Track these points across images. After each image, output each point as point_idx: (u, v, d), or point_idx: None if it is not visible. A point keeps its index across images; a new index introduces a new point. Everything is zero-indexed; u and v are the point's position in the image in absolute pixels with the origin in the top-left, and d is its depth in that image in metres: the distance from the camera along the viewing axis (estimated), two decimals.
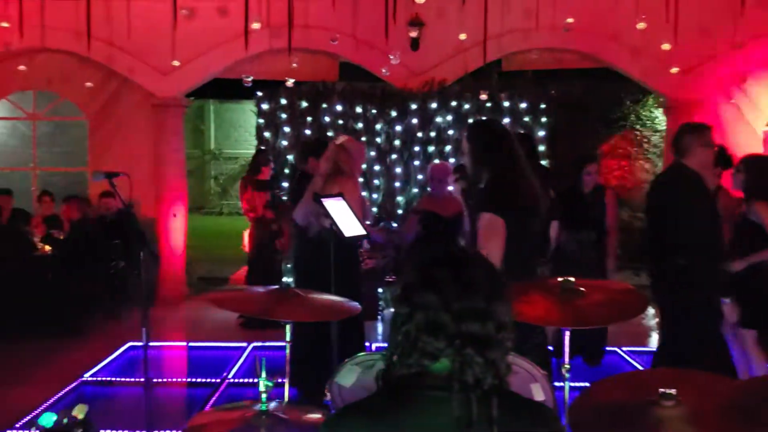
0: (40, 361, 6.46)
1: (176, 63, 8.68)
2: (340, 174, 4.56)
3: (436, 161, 7.45)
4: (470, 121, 7.86)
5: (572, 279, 2.63)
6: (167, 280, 8.95)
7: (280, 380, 2.79)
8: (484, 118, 8.25)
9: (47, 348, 6.83)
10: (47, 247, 7.79)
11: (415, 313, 1.49)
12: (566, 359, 2.63)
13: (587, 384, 2.51)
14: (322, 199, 3.79)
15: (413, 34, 8.78)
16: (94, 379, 5.91)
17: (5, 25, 8.24)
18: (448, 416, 1.45)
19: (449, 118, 8.86)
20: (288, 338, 2.63)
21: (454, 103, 8.90)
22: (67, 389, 5.57)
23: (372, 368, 2.41)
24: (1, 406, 5.31)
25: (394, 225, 7.86)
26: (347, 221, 3.81)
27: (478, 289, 1.51)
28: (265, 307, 2.53)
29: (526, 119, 8.97)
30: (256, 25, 8.28)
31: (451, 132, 8.79)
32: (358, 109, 8.91)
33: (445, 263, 1.55)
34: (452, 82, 9.08)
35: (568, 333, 2.64)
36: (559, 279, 2.64)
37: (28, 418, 4.94)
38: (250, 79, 8.17)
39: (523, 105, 8.98)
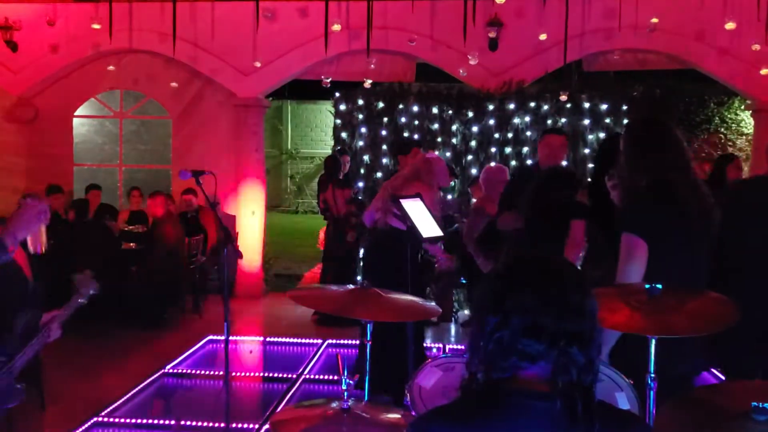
0: (123, 353, 6.71)
1: (258, 64, 8.88)
2: (419, 180, 4.62)
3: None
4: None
5: (659, 286, 2.54)
6: (245, 276, 9.16)
7: (356, 378, 2.81)
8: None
9: (130, 340, 7.10)
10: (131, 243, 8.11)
11: (510, 318, 1.46)
12: (652, 367, 2.55)
13: None
14: (401, 200, 3.80)
15: (492, 34, 8.70)
16: (175, 371, 6.09)
17: (96, 26, 8.60)
18: (542, 423, 1.43)
19: (527, 119, 8.75)
20: (368, 338, 2.64)
21: (532, 104, 8.78)
22: (148, 381, 5.76)
23: (452, 371, 2.41)
24: (86, 395, 5.53)
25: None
26: (425, 222, 3.81)
27: (570, 285, 1.50)
28: (345, 306, 2.55)
29: (607, 121, 8.77)
30: (336, 27, 8.39)
31: (528, 133, 8.66)
32: (435, 110, 8.89)
33: (531, 263, 1.54)
34: (531, 83, 8.96)
35: (653, 342, 2.55)
36: (646, 285, 2.56)
37: (111, 408, 5.15)
38: (329, 80, 8.27)
39: (604, 106, 8.78)
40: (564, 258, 1.62)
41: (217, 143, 9.40)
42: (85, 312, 6.56)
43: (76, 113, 9.92)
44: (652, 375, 2.63)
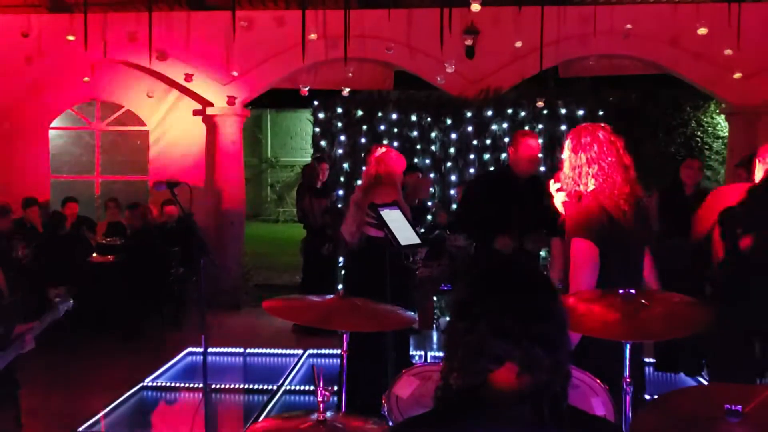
0: (102, 367, 6.63)
1: (235, 74, 8.85)
2: (378, 185, 4.61)
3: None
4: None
5: (633, 291, 2.56)
6: (224, 288, 9.09)
7: (334, 389, 2.80)
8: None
9: (109, 353, 7.02)
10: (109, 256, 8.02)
11: (478, 322, 1.50)
12: (627, 372, 2.56)
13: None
14: (379, 209, 3.80)
15: (468, 42, 8.75)
16: (155, 384, 6.03)
17: (71, 38, 8.52)
18: (513, 430, 1.44)
19: (505, 125, 8.80)
20: (344, 348, 2.63)
21: (510, 111, 8.84)
22: (127, 394, 5.70)
23: (429, 380, 2.40)
24: (64, 410, 5.45)
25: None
26: (402, 230, 3.81)
27: (535, 289, 1.55)
28: (322, 317, 2.54)
29: None
30: (313, 36, 8.39)
31: (506, 139, 8.70)
32: (413, 118, 8.93)
33: (497, 270, 1.60)
34: (508, 90, 9.02)
35: (628, 347, 2.56)
36: (620, 291, 2.58)
37: (90, 422, 5.08)
38: (306, 89, 8.27)
39: (581, 112, 8.85)
40: (533, 265, 1.66)
41: (194, 153, 9.35)
42: (63, 325, 6.48)
43: (52, 125, 9.82)
44: (628, 380, 2.65)
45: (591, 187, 2.98)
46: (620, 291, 2.59)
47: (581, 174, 3.00)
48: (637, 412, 2.51)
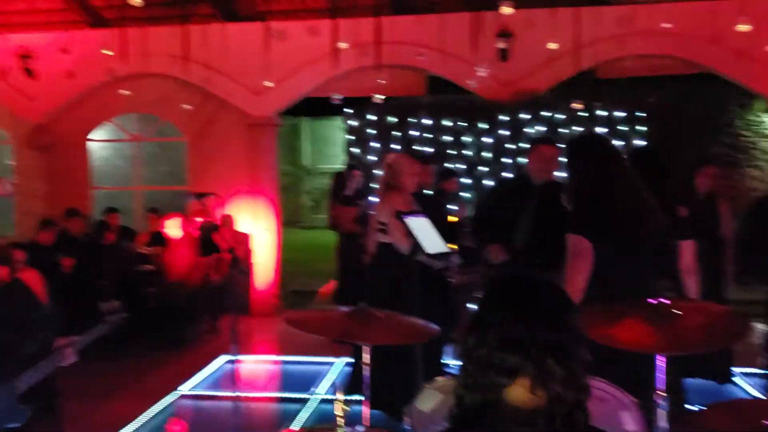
0: (141, 375, 6.73)
1: (269, 84, 8.92)
2: (390, 189, 4.58)
3: None
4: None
5: (667, 301, 2.47)
6: (261, 294, 9.16)
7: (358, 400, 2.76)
8: (584, 133, 8.10)
9: (148, 362, 7.12)
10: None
11: (487, 334, 1.47)
12: (660, 385, 2.47)
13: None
14: (404, 216, 3.76)
15: (502, 45, 8.66)
16: (191, 392, 6.08)
17: (108, 53, 8.68)
18: None
19: (541, 128, 8.68)
20: (367, 361, 2.60)
21: (546, 114, 8.72)
22: (164, 402, 5.76)
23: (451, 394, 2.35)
24: (102, 417, 5.54)
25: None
26: (430, 238, 3.76)
27: (546, 299, 1.52)
28: (342, 329, 2.51)
29: (623, 128, 8.68)
30: (343, 45, 8.40)
31: None
32: (447, 122, 8.87)
33: (507, 282, 1.58)
34: (544, 92, 8.90)
35: (663, 360, 2.47)
36: (650, 301, 2.49)
37: (128, 429, 5.14)
38: (338, 97, 8.29)
39: (620, 113, 8.68)
40: (544, 276, 1.61)
41: (231, 163, 9.44)
42: (108, 336, 6.59)
43: (91, 137, 10.03)
44: (662, 393, 2.56)
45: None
46: (651, 300, 2.50)
47: None
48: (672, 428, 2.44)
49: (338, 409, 2.14)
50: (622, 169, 3.32)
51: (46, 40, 9.39)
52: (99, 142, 10.30)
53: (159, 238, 9.02)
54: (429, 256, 3.79)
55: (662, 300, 2.48)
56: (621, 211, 3.18)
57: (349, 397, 2.34)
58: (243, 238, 8.92)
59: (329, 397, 5.94)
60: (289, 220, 18.13)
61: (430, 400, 2.34)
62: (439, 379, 2.44)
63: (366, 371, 2.57)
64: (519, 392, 1.45)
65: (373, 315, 2.53)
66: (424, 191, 5.95)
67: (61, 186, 9.70)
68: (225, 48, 8.98)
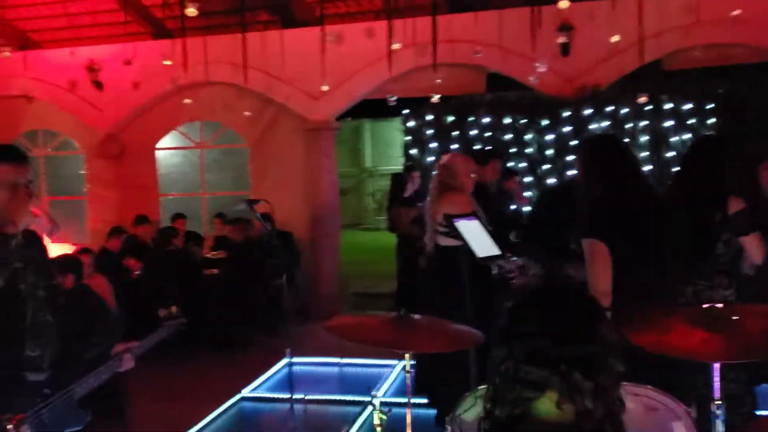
0: (206, 377, 6.87)
1: (325, 88, 8.97)
2: (447, 189, 4.50)
3: None
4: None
5: (720, 305, 2.34)
6: (322, 297, 9.22)
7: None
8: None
9: (213, 363, 7.27)
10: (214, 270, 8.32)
11: (514, 347, 1.43)
12: (717, 394, 2.34)
13: None
14: (454, 220, 3.70)
15: (563, 39, 8.46)
16: (252, 394, 6.17)
17: (167, 63, 8.90)
18: None
19: (605, 123, 8.44)
20: (408, 368, 2.56)
21: (609, 108, 8.47)
22: (226, 404, 5.86)
23: None
24: (166, 419, 5.67)
25: None
26: (481, 241, 3.69)
27: (574, 310, 1.47)
28: (383, 337, 2.48)
29: (691, 121, 8.35)
30: (396, 46, 8.37)
31: None
32: (507, 120, 8.73)
33: (536, 292, 1.55)
34: (607, 87, 8.64)
35: (717, 367, 2.34)
36: (704, 306, 2.36)
37: None
38: (394, 99, 8.27)
39: (688, 106, 8.36)
40: (578, 284, 1.55)
41: (291, 167, 9.55)
42: (169, 341, 6.74)
43: (158, 145, 10.33)
44: (718, 402, 2.42)
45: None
46: (704, 305, 2.38)
47: None
48: None
49: (376, 418, 2.11)
50: (635, 170, 3.31)
51: (112, 53, 9.72)
52: (165, 150, 10.58)
53: (224, 243, 9.23)
54: (479, 259, 3.71)
55: (716, 305, 2.35)
56: (634, 213, 3.15)
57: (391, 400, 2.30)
58: (305, 242, 9.01)
59: (390, 400, 5.92)
60: (352, 222, 18.23)
61: (472, 409, 2.29)
62: (481, 387, 2.37)
63: (408, 379, 2.53)
64: (546, 406, 1.40)
65: (414, 322, 2.48)
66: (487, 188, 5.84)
67: (130, 193, 10.02)
68: (283, 54, 9.09)
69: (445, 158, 4.89)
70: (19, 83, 10.21)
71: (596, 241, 3.05)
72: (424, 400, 5.03)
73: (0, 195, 2.50)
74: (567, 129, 8.52)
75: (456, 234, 3.66)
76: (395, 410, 5.66)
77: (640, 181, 3.33)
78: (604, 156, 3.28)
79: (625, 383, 2.32)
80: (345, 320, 2.74)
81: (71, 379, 2.78)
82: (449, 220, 3.73)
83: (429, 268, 4.56)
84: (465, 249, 3.66)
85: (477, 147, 8.42)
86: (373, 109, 10.93)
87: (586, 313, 1.46)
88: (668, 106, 8.39)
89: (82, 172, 10.63)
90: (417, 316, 2.52)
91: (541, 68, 8.07)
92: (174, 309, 4.36)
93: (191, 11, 6.28)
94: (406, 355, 2.51)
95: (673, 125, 8.42)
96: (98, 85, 9.71)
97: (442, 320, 2.60)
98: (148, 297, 7.77)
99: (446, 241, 4.20)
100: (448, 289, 3.87)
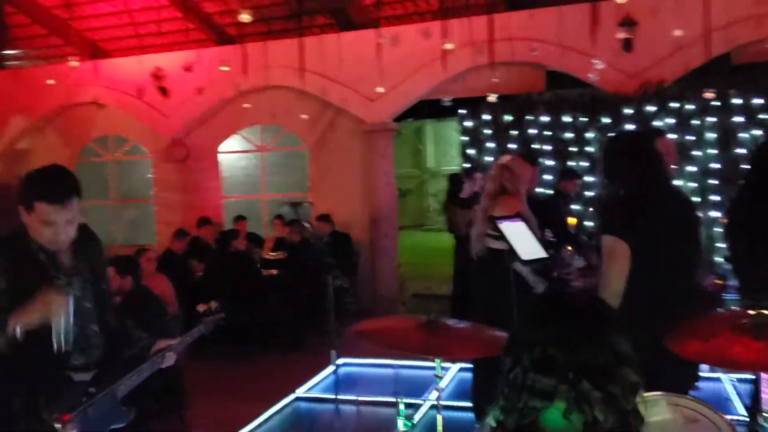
0: (264, 376, 6.98)
1: (380, 90, 8.99)
2: (504, 192, 4.42)
3: None
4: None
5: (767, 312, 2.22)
6: (381, 298, 9.25)
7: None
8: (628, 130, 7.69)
9: (271, 363, 7.38)
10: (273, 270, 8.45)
11: (522, 355, 1.40)
12: (763, 406, 2.23)
13: None
14: (498, 222, 3.64)
15: (625, 34, 8.23)
16: (307, 394, 6.23)
17: (226, 69, 9.09)
18: None
19: (670, 121, 8.16)
20: (439, 373, 2.53)
21: (674, 105, 8.18)
22: (281, 404, 5.93)
23: None
24: (222, 417, 5.79)
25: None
26: (526, 244, 3.62)
27: (584, 316, 1.42)
28: (413, 342, 2.46)
29: (762, 116, 7.98)
30: (448, 46, 8.32)
31: (673, 136, 8.05)
32: (567, 118, 8.54)
33: (547, 300, 1.53)
34: (672, 82, 8.36)
35: (766, 377, 2.23)
36: (751, 312, 2.25)
37: (245, 430, 5.34)
38: (449, 99, 8.21)
39: (758, 101, 7.99)
40: (591, 292, 1.50)
41: (349, 169, 9.62)
42: (228, 337, 6.90)
43: (220, 149, 10.57)
44: (766, 414, 2.31)
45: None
46: (750, 312, 2.26)
47: None
48: None
49: (400, 424, 2.10)
50: (658, 168, 3.22)
51: (176, 60, 10.01)
52: (228, 154, 10.81)
53: (283, 244, 9.37)
54: (524, 262, 3.64)
55: (763, 311, 2.23)
56: (658, 213, 3.09)
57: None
58: (365, 243, 9.05)
59: (443, 402, 5.87)
60: (414, 223, 18.23)
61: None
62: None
63: (439, 384, 2.50)
64: (555, 416, 1.37)
65: (445, 327, 2.45)
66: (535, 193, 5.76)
67: (194, 196, 10.30)
68: (340, 57, 9.16)
69: (503, 159, 4.80)
70: (91, 91, 10.63)
71: (618, 239, 2.99)
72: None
73: (43, 230, 2.53)
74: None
75: (501, 236, 3.60)
76: (448, 414, 5.65)
77: (664, 180, 3.25)
78: (629, 154, 3.21)
79: (665, 393, 2.25)
80: (374, 324, 2.73)
81: (115, 377, 2.86)
82: (494, 221, 3.68)
83: (478, 270, 4.50)
84: (511, 252, 3.60)
85: (537, 147, 8.29)
86: (435, 109, 10.91)
87: (596, 321, 1.41)
88: (737, 101, 8.04)
89: (150, 175, 10.98)
90: (450, 321, 2.49)
91: (599, 65, 7.88)
92: (213, 304, 4.45)
93: (245, 17, 6.41)
94: (437, 361, 2.48)
95: (742, 121, 8.06)
96: (163, 91, 10.02)
97: (478, 325, 2.56)
98: (210, 297, 7.97)
99: (495, 244, 4.14)
100: (495, 292, 3.81)
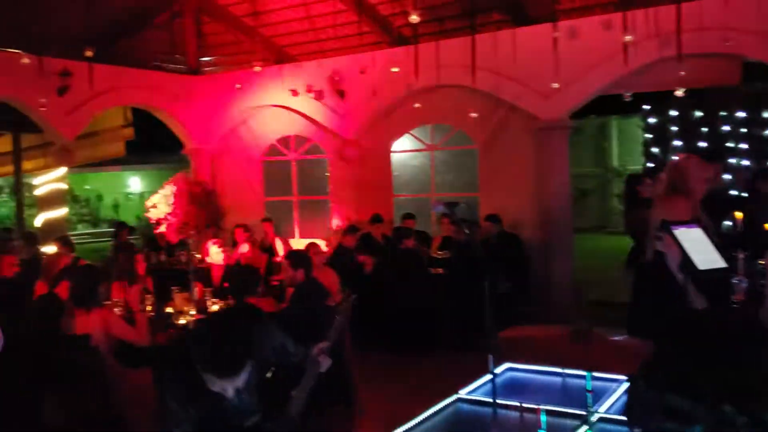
0: (431, 375, 6.98)
1: (555, 85, 8.65)
2: (672, 193, 4.05)
3: None
4: None
5: None
6: (554, 304, 8.90)
7: None
8: None
9: (438, 363, 7.36)
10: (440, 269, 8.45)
11: (656, 374, 1.24)
12: None
13: None
14: (672, 227, 3.31)
15: None
16: (469, 396, 6.12)
17: (395, 70, 9.17)
18: None
19: None
20: (589, 387, 2.33)
21: None
22: (442, 404, 5.87)
23: None
24: (381, 413, 5.85)
25: None
26: (703, 252, 3.26)
27: (736, 338, 1.22)
28: (562, 354, 2.28)
29: None
30: (628, 38, 7.80)
31: None
32: (766, 114, 7.71)
33: (680, 319, 1.31)
34: None
35: None
36: None
37: (406, 427, 5.35)
38: (629, 94, 7.71)
39: None
40: (750, 310, 1.30)
41: (520, 168, 9.37)
42: (395, 336, 6.98)
43: (392, 149, 10.75)
44: None
45: None
46: None
47: None
48: None
49: None
50: None
51: (352, 62, 10.32)
52: (399, 153, 10.97)
53: (451, 243, 9.32)
54: (701, 272, 3.28)
55: None
56: None
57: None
58: (534, 245, 8.77)
59: (611, 416, 5.51)
60: (595, 225, 17.43)
61: None
62: None
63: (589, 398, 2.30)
64: None
65: (596, 337, 2.26)
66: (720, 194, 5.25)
67: (367, 194, 10.57)
68: (513, 53, 8.94)
69: (677, 159, 4.50)
70: (277, 94, 11.25)
71: None
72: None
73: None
74: None
75: (675, 242, 3.28)
76: (607, 427, 5.29)
77: None
78: None
79: None
80: (521, 332, 2.57)
81: (282, 411, 2.93)
82: (666, 226, 3.36)
83: (642, 276, 4.17)
84: (682, 261, 3.26)
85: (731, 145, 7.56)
86: (619, 105, 10.34)
87: (749, 342, 1.20)
88: None
89: (327, 174, 11.42)
90: (601, 332, 2.28)
91: None
92: (344, 294, 4.46)
93: (414, 18, 6.43)
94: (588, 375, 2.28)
95: None
96: (341, 93, 10.38)
97: (632, 339, 2.32)
98: (377, 292, 8.13)
99: (660, 248, 3.80)
100: (658, 302, 3.49)
